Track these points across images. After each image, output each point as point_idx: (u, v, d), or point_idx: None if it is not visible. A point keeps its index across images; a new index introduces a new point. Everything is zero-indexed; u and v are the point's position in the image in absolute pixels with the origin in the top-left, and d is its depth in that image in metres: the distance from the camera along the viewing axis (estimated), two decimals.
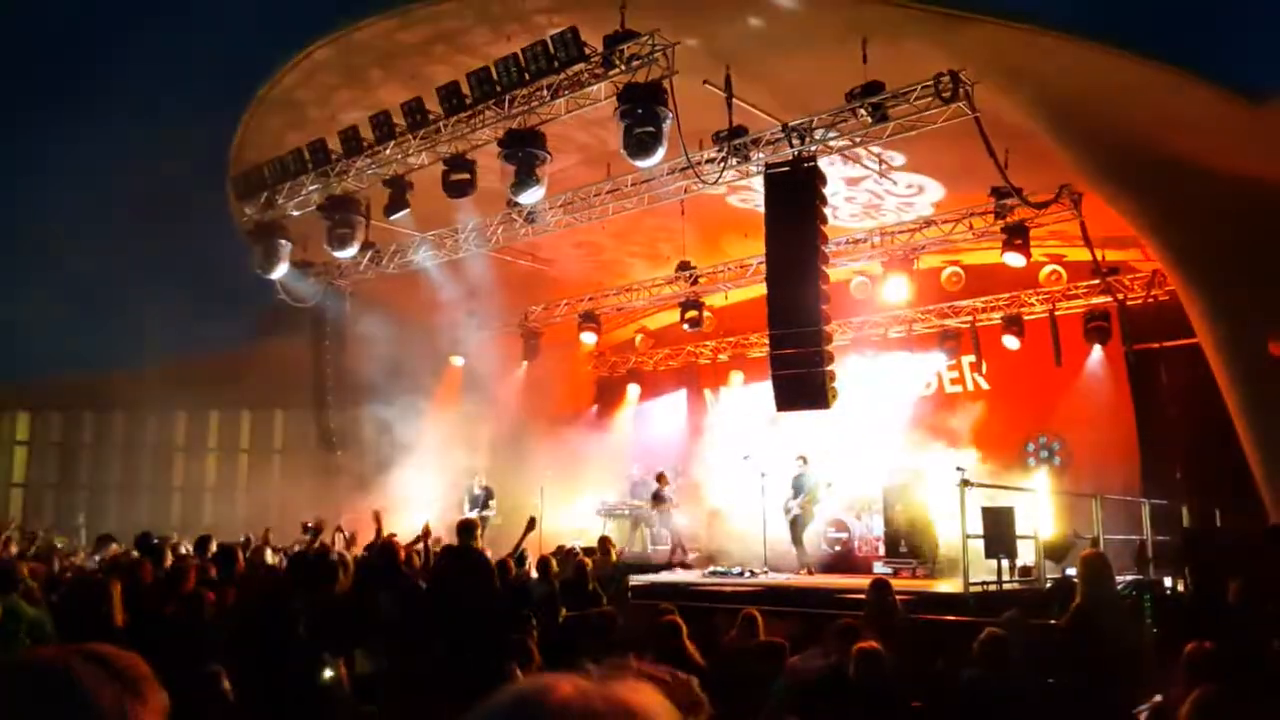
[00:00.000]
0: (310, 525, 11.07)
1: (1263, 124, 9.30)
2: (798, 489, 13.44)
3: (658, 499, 15.01)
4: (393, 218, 12.13)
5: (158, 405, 20.48)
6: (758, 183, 12.17)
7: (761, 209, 13.03)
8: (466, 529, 8.38)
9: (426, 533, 9.66)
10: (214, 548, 8.83)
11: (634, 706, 0.85)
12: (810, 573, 13.04)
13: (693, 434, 18.43)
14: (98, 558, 10.25)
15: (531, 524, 9.02)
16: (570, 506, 16.70)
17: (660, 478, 15.25)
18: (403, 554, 8.49)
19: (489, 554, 8.38)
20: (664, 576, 12.12)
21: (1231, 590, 5.84)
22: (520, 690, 0.86)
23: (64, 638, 5.10)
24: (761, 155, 10.79)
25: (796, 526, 13.36)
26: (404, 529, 10.01)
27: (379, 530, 10.09)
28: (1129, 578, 9.85)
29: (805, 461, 13.71)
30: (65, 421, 21.06)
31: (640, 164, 9.85)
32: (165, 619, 5.91)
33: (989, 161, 9.44)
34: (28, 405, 20.73)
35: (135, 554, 8.79)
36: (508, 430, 16.89)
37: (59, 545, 12.65)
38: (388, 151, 11.52)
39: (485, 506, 14.45)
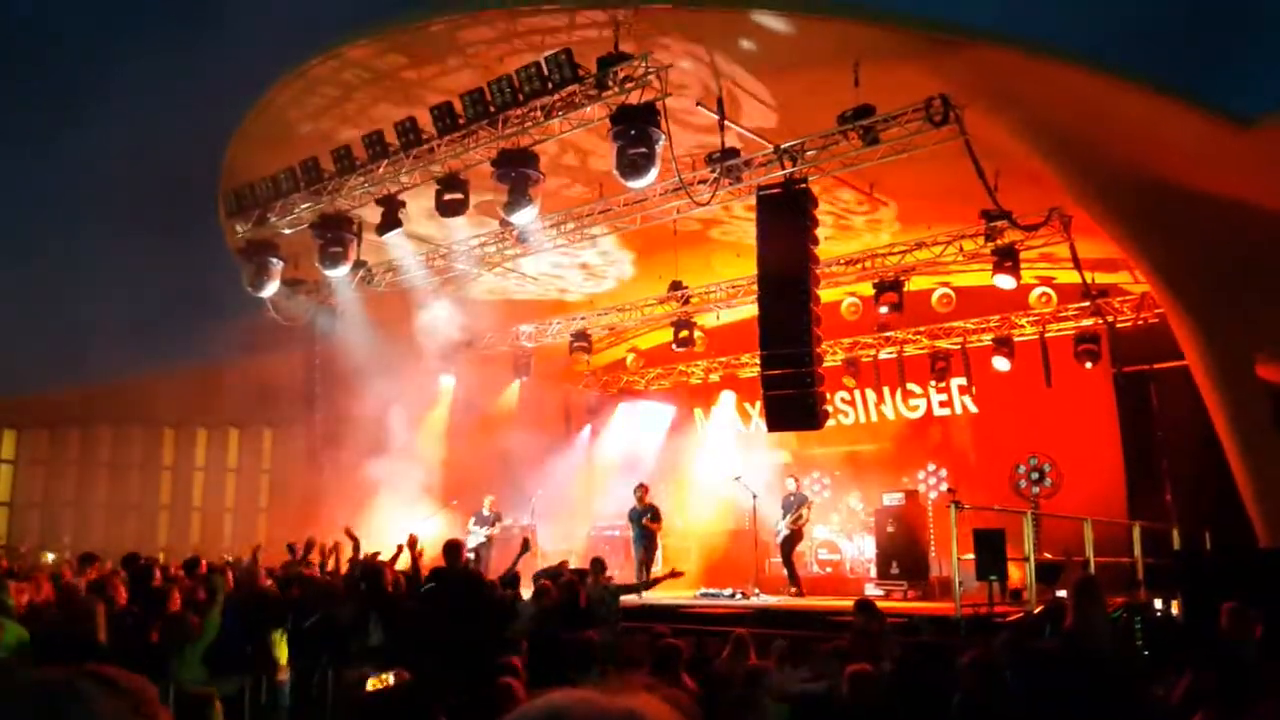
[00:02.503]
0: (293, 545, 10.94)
1: (1249, 149, 9.39)
2: (786, 509, 13.44)
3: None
4: (385, 236, 12.14)
5: (145, 423, 20.35)
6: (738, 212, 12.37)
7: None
8: (452, 550, 8.31)
9: (413, 543, 9.44)
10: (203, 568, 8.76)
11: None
12: (798, 594, 12.98)
13: (684, 453, 18.39)
14: (83, 580, 10.11)
15: (525, 546, 9.01)
16: (561, 527, 16.65)
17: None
18: (389, 575, 8.43)
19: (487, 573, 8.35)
20: (655, 598, 12.05)
21: (1224, 614, 5.83)
22: (540, 708, 0.87)
23: (49, 657, 5.03)
24: (754, 176, 10.84)
25: (786, 547, 13.34)
26: (390, 549, 9.90)
27: (356, 547, 10.00)
28: (1120, 600, 9.85)
29: (796, 481, 13.75)
30: (51, 439, 20.88)
31: (633, 185, 9.88)
32: (150, 639, 5.84)
33: (978, 183, 9.51)
34: (13, 423, 20.54)
35: (121, 573, 8.69)
36: (498, 450, 16.83)
37: (48, 560, 12.52)
38: (380, 170, 11.53)
39: (491, 527, 14.47)
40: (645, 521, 13.94)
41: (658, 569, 13.29)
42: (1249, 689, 4.47)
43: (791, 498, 13.50)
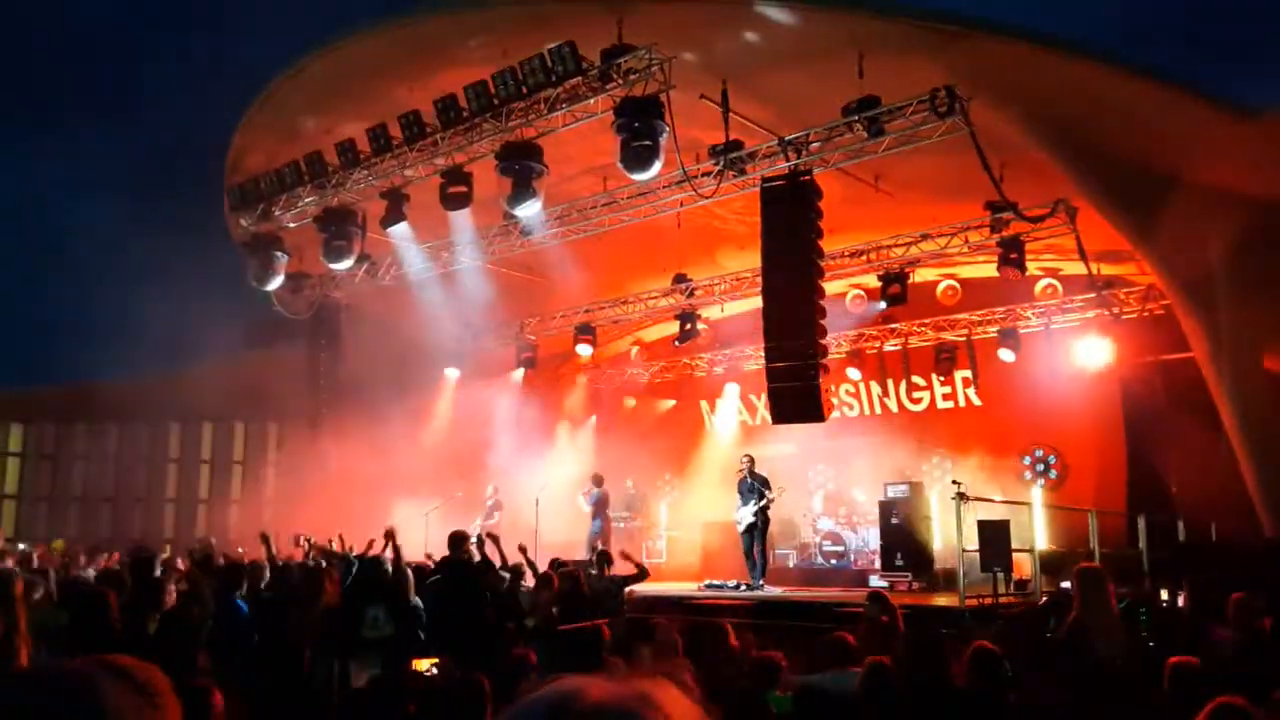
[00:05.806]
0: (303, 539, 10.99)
1: (1255, 139, 9.35)
2: (745, 492, 12.58)
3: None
4: (389, 229, 12.14)
5: (151, 417, 20.42)
6: None
7: None
8: (456, 541, 8.33)
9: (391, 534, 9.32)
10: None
11: (662, 703, 0.89)
12: (760, 587, 12.17)
13: (688, 446, 18.39)
14: (91, 571, 10.17)
15: (523, 551, 9.03)
16: (565, 519, 16.64)
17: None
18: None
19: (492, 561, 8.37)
20: (659, 589, 12.03)
21: (1231, 604, 5.84)
22: (553, 692, 0.89)
23: (67, 648, 5.06)
24: (758, 169, 10.82)
25: (758, 534, 12.44)
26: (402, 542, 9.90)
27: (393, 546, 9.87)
28: (1125, 591, 9.84)
29: (752, 461, 13.02)
30: (58, 433, 20.98)
31: (637, 177, 9.87)
32: (154, 631, 5.86)
33: (983, 175, 9.47)
34: (20, 416, 20.64)
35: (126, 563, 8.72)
36: (502, 443, 16.85)
37: (56, 549, 12.63)
38: (384, 164, 11.53)
39: (489, 516, 14.58)
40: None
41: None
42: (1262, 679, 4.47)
43: (749, 479, 12.58)
